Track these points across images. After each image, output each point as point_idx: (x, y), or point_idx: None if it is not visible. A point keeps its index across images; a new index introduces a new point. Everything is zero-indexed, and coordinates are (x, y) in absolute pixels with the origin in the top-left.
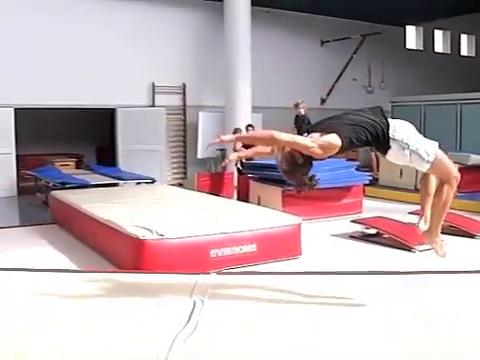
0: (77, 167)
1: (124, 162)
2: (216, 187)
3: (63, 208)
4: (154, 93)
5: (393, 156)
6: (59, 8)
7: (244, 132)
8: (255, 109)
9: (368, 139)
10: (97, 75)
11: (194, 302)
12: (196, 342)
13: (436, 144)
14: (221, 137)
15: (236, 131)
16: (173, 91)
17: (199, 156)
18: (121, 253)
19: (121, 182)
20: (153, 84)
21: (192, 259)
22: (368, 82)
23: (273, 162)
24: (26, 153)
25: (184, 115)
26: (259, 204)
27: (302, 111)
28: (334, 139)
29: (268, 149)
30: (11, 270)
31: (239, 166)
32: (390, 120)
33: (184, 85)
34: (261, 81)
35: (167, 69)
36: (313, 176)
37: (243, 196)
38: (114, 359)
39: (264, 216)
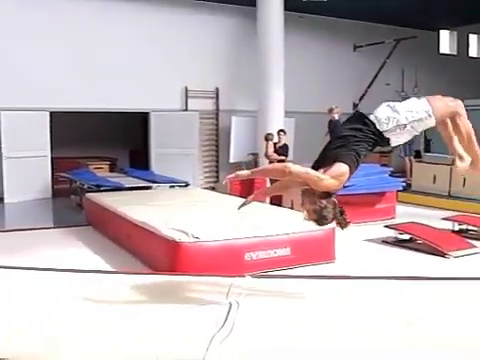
0: (111, 170)
1: (157, 165)
2: (248, 191)
3: (98, 210)
4: (187, 97)
5: (398, 141)
6: (93, 13)
7: (276, 137)
8: (288, 114)
9: (368, 148)
10: (131, 79)
11: (230, 304)
12: (233, 343)
13: (422, 98)
14: (237, 173)
15: (268, 136)
16: (206, 95)
17: (231, 160)
18: (156, 255)
19: (154, 185)
20: (186, 88)
21: (227, 262)
22: (401, 87)
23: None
24: (60, 156)
25: (217, 119)
26: (292, 209)
27: (336, 116)
28: (343, 167)
29: (280, 185)
30: (47, 270)
31: None
32: (372, 116)
33: (217, 89)
34: (294, 86)
35: (200, 73)
36: (342, 210)
37: (276, 200)
38: (146, 357)
39: (297, 220)
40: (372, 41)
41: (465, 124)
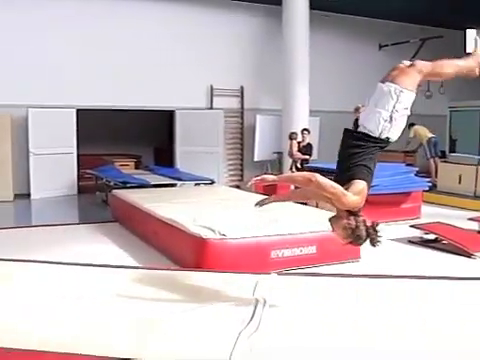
0: (136, 167)
1: (182, 163)
2: (273, 190)
3: (124, 207)
4: (212, 96)
5: (397, 133)
6: (120, 12)
7: (300, 136)
8: (312, 113)
9: (374, 157)
10: (157, 77)
11: (256, 301)
12: (259, 340)
13: (386, 82)
14: (263, 176)
15: (291, 136)
16: (231, 94)
17: (256, 159)
18: (183, 252)
19: (179, 183)
20: (211, 87)
21: (253, 259)
22: (427, 87)
23: (332, 166)
24: (86, 153)
25: (241, 118)
26: (317, 207)
27: None
28: (361, 184)
29: (302, 193)
30: (74, 265)
31: (294, 169)
32: (360, 128)
33: (242, 88)
34: (319, 85)
35: (225, 72)
36: (373, 224)
37: None
38: (177, 355)
39: (324, 218)
40: (397, 40)
41: (439, 67)
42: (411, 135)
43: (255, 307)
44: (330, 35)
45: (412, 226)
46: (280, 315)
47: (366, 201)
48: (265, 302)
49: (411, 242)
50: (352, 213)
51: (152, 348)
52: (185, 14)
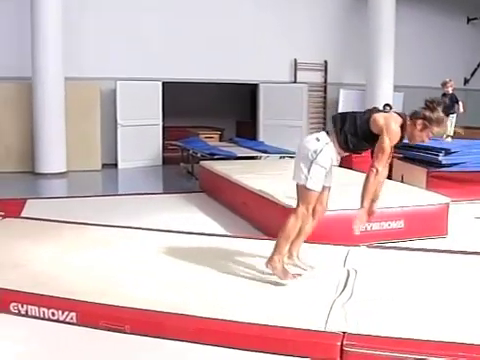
0: (220, 140)
1: (264, 136)
2: (357, 165)
3: (212, 177)
4: (296, 70)
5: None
6: None
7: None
8: (397, 88)
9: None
10: (241, 51)
11: (348, 271)
12: (354, 308)
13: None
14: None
15: (372, 110)
16: (315, 68)
17: None
18: (273, 222)
19: (264, 155)
20: (295, 61)
21: (341, 232)
22: None
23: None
24: (170, 125)
25: (325, 92)
26: (402, 182)
27: (450, 90)
28: (379, 117)
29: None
30: (165, 232)
31: None
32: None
33: (326, 62)
34: (403, 59)
35: (309, 46)
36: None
37: None
38: (271, 320)
39: (412, 194)
40: None
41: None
42: None
43: (347, 277)
44: (416, 8)
45: None
46: (371, 285)
47: (453, 179)
48: (356, 272)
49: None
50: (408, 123)
51: (249, 312)
52: None
